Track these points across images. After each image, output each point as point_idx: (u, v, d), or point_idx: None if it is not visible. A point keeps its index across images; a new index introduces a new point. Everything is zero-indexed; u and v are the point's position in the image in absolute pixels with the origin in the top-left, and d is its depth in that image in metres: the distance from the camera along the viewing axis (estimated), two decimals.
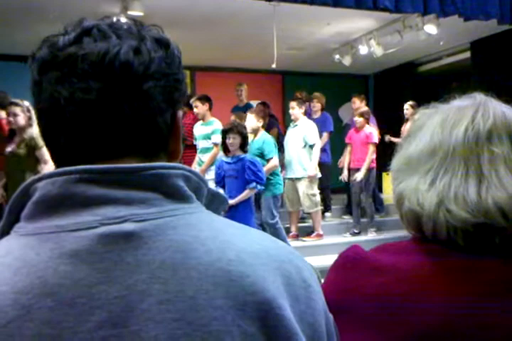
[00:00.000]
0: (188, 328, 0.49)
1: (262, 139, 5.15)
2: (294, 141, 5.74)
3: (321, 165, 5.94)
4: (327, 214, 6.71)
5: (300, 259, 0.60)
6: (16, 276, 0.50)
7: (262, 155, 5.05)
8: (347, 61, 7.30)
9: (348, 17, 5.89)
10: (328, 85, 8.22)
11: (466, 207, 0.71)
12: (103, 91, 0.55)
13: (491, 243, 0.71)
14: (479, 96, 0.80)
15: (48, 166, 4.11)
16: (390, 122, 7.27)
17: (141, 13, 5.24)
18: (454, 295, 0.70)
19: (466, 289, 0.71)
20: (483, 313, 0.69)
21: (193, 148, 5.65)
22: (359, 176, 5.97)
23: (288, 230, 5.76)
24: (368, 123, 6.17)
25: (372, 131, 6.12)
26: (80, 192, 0.53)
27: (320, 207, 5.86)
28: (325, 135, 6.39)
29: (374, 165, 6.13)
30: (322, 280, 0.81)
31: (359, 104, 6.55)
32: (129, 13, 5.20)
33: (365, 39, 6.80)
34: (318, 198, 5.76)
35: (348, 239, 5.94)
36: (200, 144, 5.50)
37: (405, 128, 5.94)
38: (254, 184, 4.33)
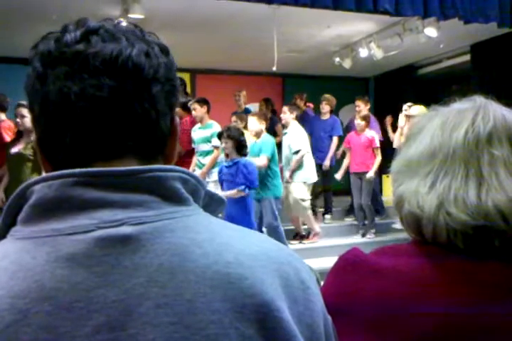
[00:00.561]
0: (185, 332, 0.49)
1: (262, 141, 5.18)
2: (285, 148, 5.78)
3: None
4: (327, 216, 6.70)
5: (299, 261, 0.60)
6: (12, 280, 0.49)
7: None
8: (347, 64, 7.31)
9: (349, 20, 5.89)
10: (329, 88, 8.19)
11: (466, 209, 0.71)
12: (116, 89, 0.55)
13: (490, 246, 0.71)
14: (479, 99, 0.80)
15: None
16: (391, 124, 7.26)
17: (141, 16, 5.22)
18: (454, 298, 0.70)
19: (466, 292, 0.70)
20: (484, 316, 0.69)
21: (192, 154, 5.61)
22: (369, 175, 5.93)
23: (289, 233, 5.73)
24: (368, 127, 6.16)
25: (373, 134, 6.11)
26: (76, 195, 0.52)
27: (309, 211, 5.79)
28: (335, 139, 6.42)
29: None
30: (322, 283, 0.81)
31: (363, 107, 6.47)
32: (130, 16, 5.18)
33: (366, 42, 6.81)
34: (307, 203, 5.69)
35: (348, 241, 5.92)
36: (200, 147, 5.48)
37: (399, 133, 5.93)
38: (242, 187, 4.31)
